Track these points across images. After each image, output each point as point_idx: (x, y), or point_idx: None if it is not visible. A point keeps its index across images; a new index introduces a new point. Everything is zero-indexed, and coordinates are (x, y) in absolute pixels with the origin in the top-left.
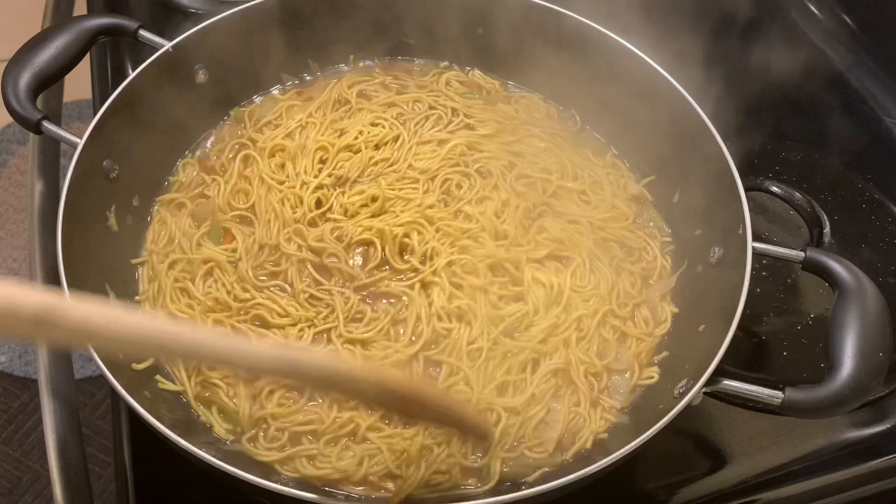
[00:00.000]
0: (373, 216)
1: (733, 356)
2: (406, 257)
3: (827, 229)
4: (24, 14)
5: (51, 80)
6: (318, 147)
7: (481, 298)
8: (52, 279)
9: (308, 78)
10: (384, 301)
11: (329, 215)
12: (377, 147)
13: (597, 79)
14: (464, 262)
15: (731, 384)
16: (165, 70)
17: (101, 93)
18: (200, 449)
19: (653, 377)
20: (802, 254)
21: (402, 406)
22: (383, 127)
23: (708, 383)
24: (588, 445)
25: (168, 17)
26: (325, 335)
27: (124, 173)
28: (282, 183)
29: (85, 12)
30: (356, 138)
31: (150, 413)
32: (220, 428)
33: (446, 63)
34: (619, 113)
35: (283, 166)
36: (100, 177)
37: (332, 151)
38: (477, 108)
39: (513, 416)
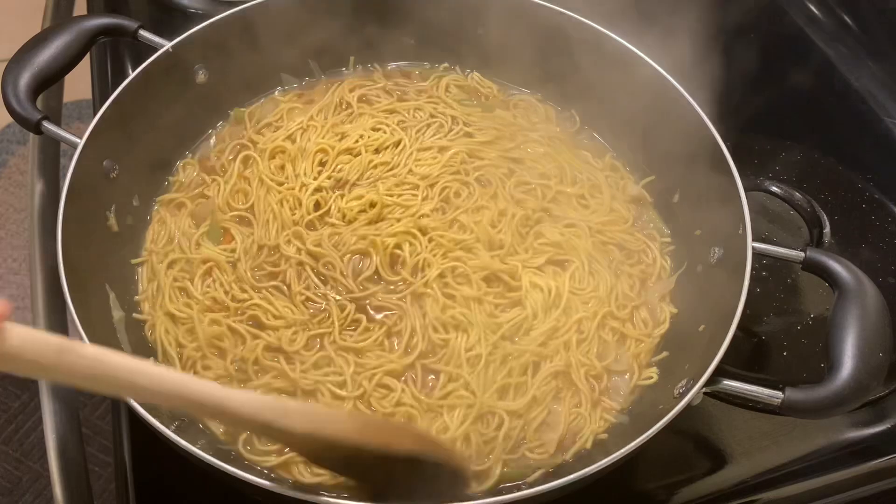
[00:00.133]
0: (370, 223)
1: (733, 356)
2: (397, 268)
3: (827, 229)
4: (24, 14)
5: (51, 80)
6: (318, 149)
7: (476, 308)
8: (52, 279)
9: (308, 80)
10: (380, 314)
11: (327, 219)
12: (377, 151)
13: (596, 79)
14: (456, 272)
15: (731, 384)
16: (165, 70)
17: (101, 93)
18: (200, 449)
19: (652, 377)
20: (802, 254)
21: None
22: (384, 132)
23: (708, 383)
24: (588, 446)
25: (168, 17)
26: (318, 339)
27: (124, 173)
28: (281, 184)
29: (85, 12)
30: (357, 142)
31: (149, 413)
32: (214, 428)
33: (446, 65)
34: (619, 113)
35: (282, 168)
36: (100, 177)
37: (331, 154)
38: (475, 116)
39: (514, 419)
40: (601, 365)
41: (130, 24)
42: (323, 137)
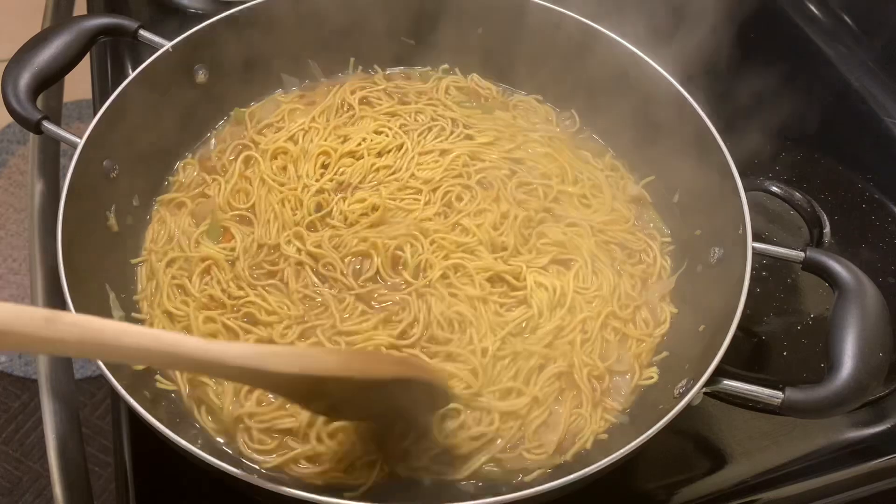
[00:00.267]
0: (372, 226)
1: (733, 356)
2: (398, 269)
3: (827, 229)
4: (24, 14)
5: (51, 80)
6: (320, 152)
7: (481, 307)
8: (52, 279)
9: (308, 81)
10: (382, 304)
11: (329, 221)
12: (380, 154)
13: (596, 79)
14: (459, 272)
15: (731, 384)
16: (165, 70)
17: (101, 93)
18: (200, 449)
19: (652, 377)
20: (802, 254)
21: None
22: (387, 135)
23: (708, 383)
24: (588, 446)
25: (168, 17)
26: (313, 331)
27: (124, 173)
28: (283, 184)
29: (85, 12)
30: (359, 145)
31: (149, 413)
32: (209, 427)
33: (446, 66)
34: (619, 113)
35: (284, 169)
36: (100, 177)
37: (334, 157)
38: (475, 118)
39: (512, 420)
40: (604, 365)
41: (130, 24)
42: (325, 140)
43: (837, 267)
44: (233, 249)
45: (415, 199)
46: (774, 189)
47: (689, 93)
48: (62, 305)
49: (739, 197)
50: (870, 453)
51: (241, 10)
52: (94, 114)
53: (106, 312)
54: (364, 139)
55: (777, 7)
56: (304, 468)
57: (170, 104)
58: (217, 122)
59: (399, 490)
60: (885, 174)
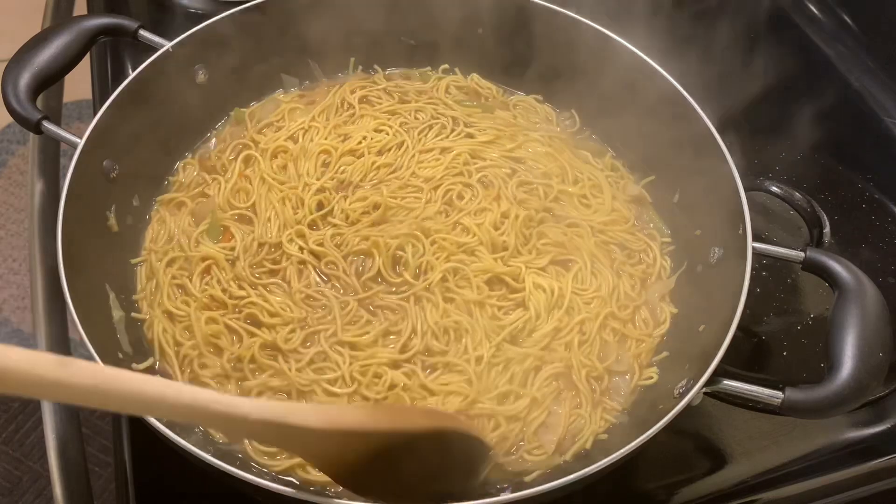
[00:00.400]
0: (373, 225)
1: (733, 356)
2: (399, 269)
3: (827, 229)
4: (24, 14)
5: (51, 80)
6: (321, 150)
7: (478, 312)
8: (52, 279)
9: (308, 82)
10: (382, 312)
11: (330, 219)
12: (380, 153)
13: (596, 79)
14: (458, 275)
15: (731, 384)
16: (165, 70)
17: (101, 93)
18: (200, 449)
19: (652, 378)
20: (802, 254)
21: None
22: (387, 133)
23: (708, 383)
24: (588, 446)
25: (168, 17)
26: (315, 336)
27: (124, 173)
28: (283, 183)
29: (85, 12)
30: (360, 143)
31: None
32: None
33: (446, 66)
34: (619, 113)
35: (285, 167)
36: (100, 177)
37: (335, 155)
38: (476, 117)
39: (513, 423)
40: (602, 366)
41: (130, 24)
42: (326, 138)
43: (837, 267)
44: (233, 249)
45: (416, 198)
46: (774, 189)
47: (689, 93)
48: (62, 305)
49: (739, 197)
50: (870, 453)
51: (241, 10)
52: (94, 114)
53: (106, 312)
54: (364, 137)
55: (777, 7)
56: (316, 474)
57: (170, 104)
58: (217, 122)
59: None
60: (885, 174)
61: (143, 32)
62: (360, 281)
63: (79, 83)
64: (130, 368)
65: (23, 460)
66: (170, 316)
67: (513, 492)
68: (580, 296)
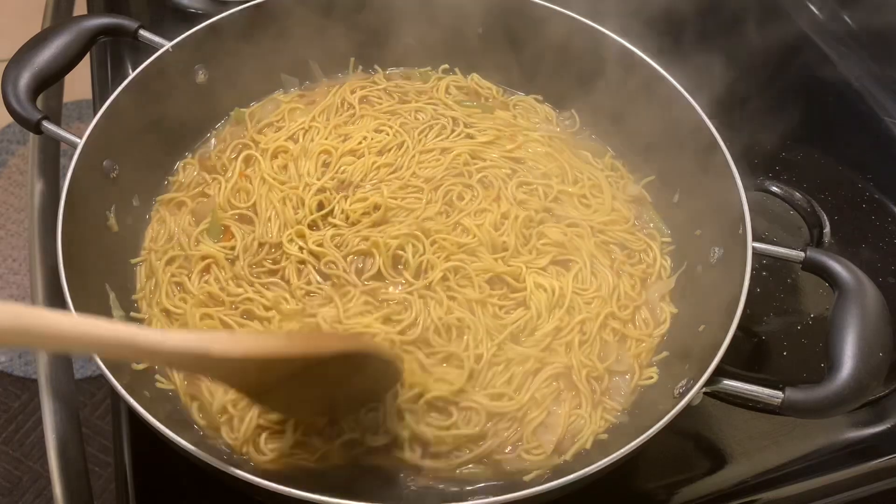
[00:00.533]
0: (374, 225)
1: (733, 356)
2: (399, 269)
3: (827, 229)
4: (24, 14)
5: (51, 80)
6: (321, 150)
7: (479, 311)
8: (52, 279)
9: (308, 82)
10: (387, 303)
11: (330, 219)
12: (381, 153)
13: (595, 79)
14: (459, 274)
15: (731, 384)
16: (165, 70)
17: (101, 93)
18: (200, 449)
19: (652, 377)
20: (802, 254)
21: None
22: (387, 133)
23: (708, 383)
24: (588, 446)
25: (168, 17)
26: (313, 320)
27: (124, 173)
28: (283, 183)
29: (85, 12)
30: (360, 143)
31: (149, 412)
32: (201, 424)
33: (446, 66)
34: (619, 113)
35: (285, 167)
36: (100, 177)
37: (335, 155)
38: (476, 117)
39: (505, 421)
40: (602, 366)
41: (130, 24)
42: (326, 138)
43: (837, 267)
44: (233, 248)
45: (416, 198)
46: (774, 189)
47: (689, 93)
48: (62, 305)
49: (739, 197)
50: (870, 453)
51: (240, 10)
52: (94, 114)
53: (106, 312)
54: (365, 137)
55: (777, 7)
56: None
57: (170, 104)
58: (217, 122)
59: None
60: (885, 174)
61: (143, 32)
62: (361, 279)
63: (79, 83)
64: (132, 369)
65: (23, 460)
66: (167, 314)
67: (512, 491)
68: (581, 295)
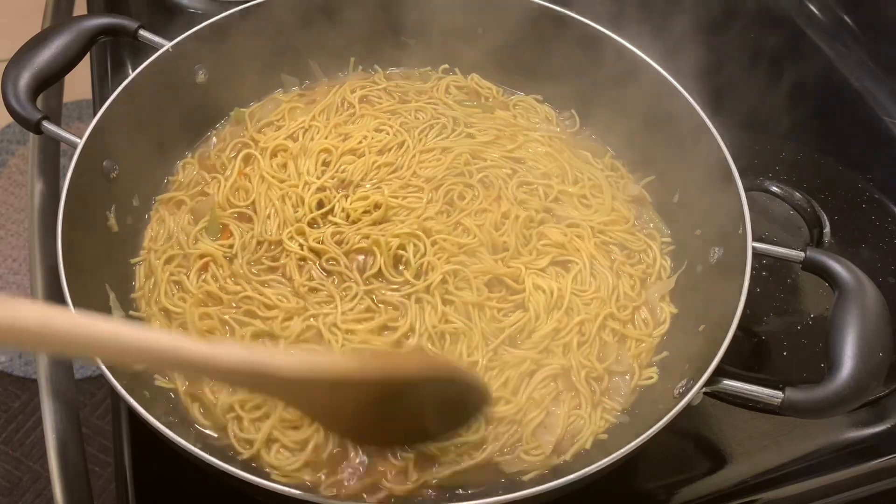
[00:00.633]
0: (374, 224)
1: (733, 356)
2: (400, 269)
3: (827, 229)
4: (24, 14)
5: (51, 80)
6: (321, 149)
7: (476, 315)
8: (52, 279)
9: (308, 82)
10: (385, 307)
11: (330, 218)
12: (381, 152)
13: (596, 79)
14: (459, 277)
15: (731, 384)
16: (165, 70)
17: (101, 93)
18: (200, 449)
19: (652, 378)
20: (802, 254)
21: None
22: (388, 133)
23: (708, 383)
24: (588, 446)
25: (168, 17)
26: (313, 320)
27: (124, 173)
28: (283, 181)
29: (85, 12)
30: (360, 142)
31: (149, 412)
32: (202, 424)
33: (446, 66)
34: (619, 113)
35: (284, 166)
36: (100, 177)
37: (335, 154)
38: (476, 117)
39: (505, 424)
40: (602, 366)
41: (130, 24)
42: (326, 138)
43: (837, 267)
44: (231, 246)
45: (417, 198)
46: (774, 189)
47: (689, 92)
48: (62, 305)
49: (739, 197)
50: (870, 453)
51: (240, 10)
52: (94, 114)
53: (106, 312)
54: (365, 137)
55: (777, 7)
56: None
57: (170, 104)
58: (217, 122)
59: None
60: (885, 174)
61: (143, 32)
62: (363, 277)
63: (79, 83)
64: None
65: (23, 460)
66: (166, 313)
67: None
68: (579, 297)
